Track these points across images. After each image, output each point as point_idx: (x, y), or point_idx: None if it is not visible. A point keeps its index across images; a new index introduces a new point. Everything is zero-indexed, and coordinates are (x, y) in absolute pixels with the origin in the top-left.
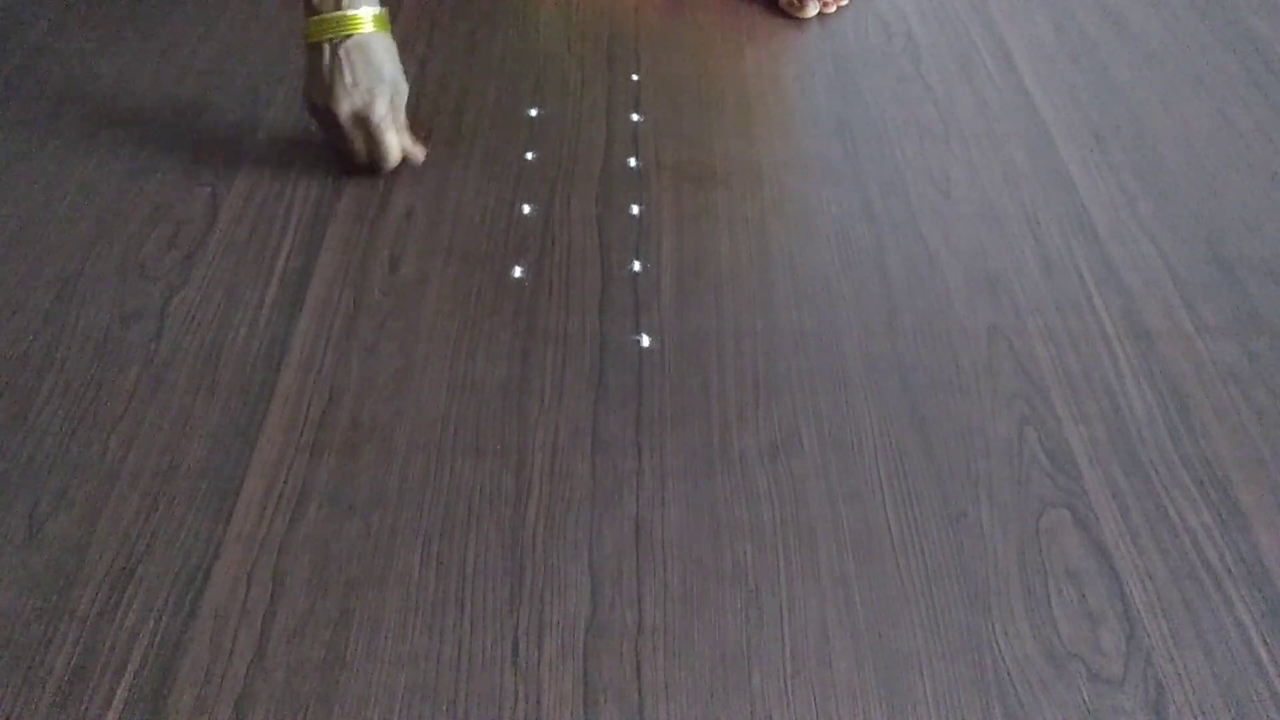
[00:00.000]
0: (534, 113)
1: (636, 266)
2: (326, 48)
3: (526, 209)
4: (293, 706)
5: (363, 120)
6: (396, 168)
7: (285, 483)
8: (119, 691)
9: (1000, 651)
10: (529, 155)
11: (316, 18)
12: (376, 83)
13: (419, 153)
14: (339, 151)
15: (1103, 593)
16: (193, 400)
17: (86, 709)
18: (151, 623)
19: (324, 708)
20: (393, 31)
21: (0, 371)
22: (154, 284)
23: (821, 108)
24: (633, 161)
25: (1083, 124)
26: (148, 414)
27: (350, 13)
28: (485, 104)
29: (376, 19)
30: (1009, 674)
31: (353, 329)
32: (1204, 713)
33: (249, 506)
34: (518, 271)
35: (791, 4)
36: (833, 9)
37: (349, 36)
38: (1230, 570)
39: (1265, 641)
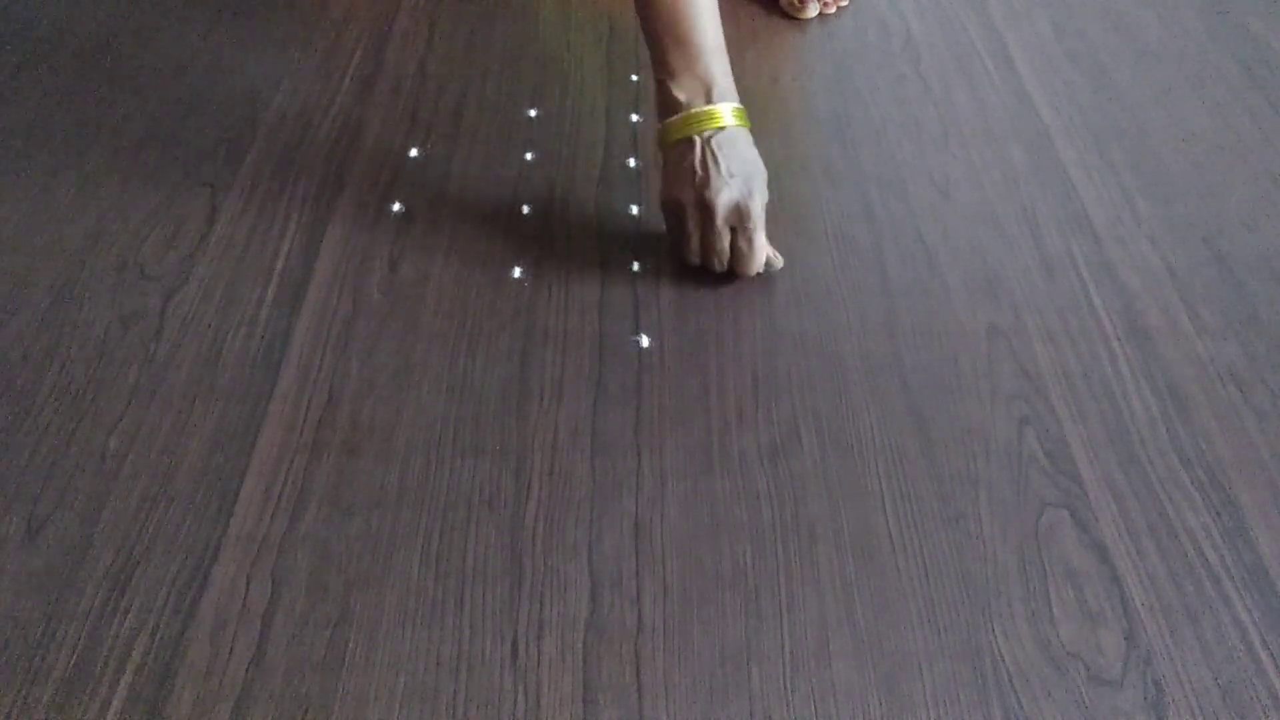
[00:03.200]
0: (534, 113)
1: (636, 266)
2: (697, 140)
3: (526, 209)
4: (293, 706)
5: (741, 213)
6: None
7: (285, 483)
8: (119, 691)
9: (1000, 652)
10: (529, 155)
11: (683, 114)
12: (755, 175)
13: (778, 260)
14: (692, 253)
15: (1102, 593)
16: (192, 400)
17: (86, 709)
18: (151, 623)
19: (324, 708)
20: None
21: (0, 372)
22: (153, 284)
23: (821, 108)
24: (632, 161)
25: (1082, 124)
26: (147, 414)
27: (718, 106)
28: (485, 104)
29: (737, 112)
30: (1008, 674)
31: (352, 329)
32: (1203, 713)
33: (248, 507)
34: (517, 272)
35: (792, 4)
36: (833, 9)
37: (720, 129)
38: (1229, 571)
39: (1265, 642)
